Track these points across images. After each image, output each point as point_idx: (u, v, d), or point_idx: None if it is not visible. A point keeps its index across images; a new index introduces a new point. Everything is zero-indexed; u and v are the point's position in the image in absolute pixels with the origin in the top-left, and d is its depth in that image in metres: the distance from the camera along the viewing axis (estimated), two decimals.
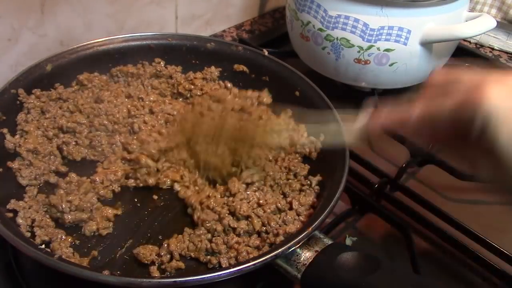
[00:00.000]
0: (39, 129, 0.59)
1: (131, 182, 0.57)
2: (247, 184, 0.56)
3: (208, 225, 0.52)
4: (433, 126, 0.41)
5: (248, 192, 0.55)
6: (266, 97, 0.68)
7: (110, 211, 0.54)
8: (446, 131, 0.41)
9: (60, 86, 0.64)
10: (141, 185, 0.57)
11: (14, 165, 0.55)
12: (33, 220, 0.51)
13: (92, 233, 0.52)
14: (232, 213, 0.53)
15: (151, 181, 0.57)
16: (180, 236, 0.52)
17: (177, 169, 0.59)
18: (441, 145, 0.44)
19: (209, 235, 0.52)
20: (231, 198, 0.55)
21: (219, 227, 0.51)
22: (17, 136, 0.58)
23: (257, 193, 0.55)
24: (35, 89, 0.62)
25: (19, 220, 0.50)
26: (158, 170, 0.58)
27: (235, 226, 0.52)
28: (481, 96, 0.36)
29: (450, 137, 0.42)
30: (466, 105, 0.37)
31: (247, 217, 0.53)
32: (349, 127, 0.51)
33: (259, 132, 0.59)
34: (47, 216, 0.52)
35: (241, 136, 0.57)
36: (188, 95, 0.69)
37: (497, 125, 0.35)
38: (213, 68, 0.72)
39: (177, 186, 0.57)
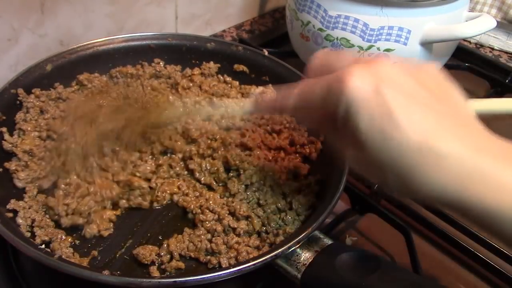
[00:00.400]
0: (36, 129, 0.59)
1: (123, 203, 0.55)
2: (247, 186, 0.56)
3: (208, 225, 0.52)
4: (306, 109, 0.41)
5: (248, 193, 0.55)
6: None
7: (109, 213, 0.53)
8: (318, 116, 0.42)
9: (60, 86, 0.64)
10: (133, 206, 0.55)
11: (11, 166, 0.55)
12: (33, 220, 0.50)
13: (93, 236, 0.52)
14: (232, 214, 0.53)
15: (146, 203, 0.55)
16: (180, 236, 0.52)
17: (172, 181, 0.57)
18: (319, 125, 0.44)
19: (209, 235, 0.51)
20: (230, 199, 0.55)
21: (219, 227, 0.51)
22: (15, 136, 0.58)
23: (256, 193, 0.55)
24: (35, 89, 0.61)
25: (19, 220, 0.50)
26: (151, 188, 0.56)
27: (235, 226, 0.51)
28: (343, 83, 0.35)
29: (322, 122, 0.42)
30: (331, 91, 0.36)
31: (247, 217, 0.53)
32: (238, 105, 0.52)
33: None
34: (47, 216, 0.52)
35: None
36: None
37: (356, 113, 0.35)
38: (211, 63, 0.72)
39: (176, 197, 0.56)
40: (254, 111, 0.48)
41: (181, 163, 0.59)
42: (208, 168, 0.58)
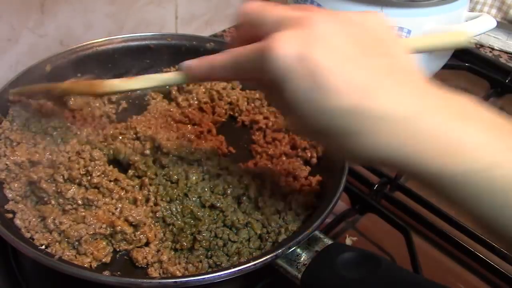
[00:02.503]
0: (23, 141, 0.56)
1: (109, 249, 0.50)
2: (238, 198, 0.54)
3: (205, 244, 0.49)
4: (238, 74, 0.39)
5: (240, 204, 0.54)
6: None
7: (105, 243, 0.49)
8: (249, 75, 0.39)
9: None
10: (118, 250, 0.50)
11: (1, 175, 0.52)
12: (29, 222, 0.50)
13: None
14: (230, 226, 0.51)
15: (131, 247, 0.50)
16: (175, 254, 0.50)
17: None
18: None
19: (209, 253, 0.49)
20: (221, 214, 0.52)
21: (220, 242, 0.49)
22: (1, 145, 0.55)
23: (251, 203, 0.54)
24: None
25: (17, 222, 0.49)
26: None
27: (235, 239, 0.50)
28: (270, 51, 0.32)
29: (255, 81, 0.40)
30: (258, 58, 0.33)
31: (246, 224, 0.51)
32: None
33: None
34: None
35: None
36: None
37: (283, 82, 0.32)
38: None
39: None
40: (185, 80, 0.44)
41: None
42: (180, 210, 0.52)
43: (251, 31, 0.37)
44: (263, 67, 0.33)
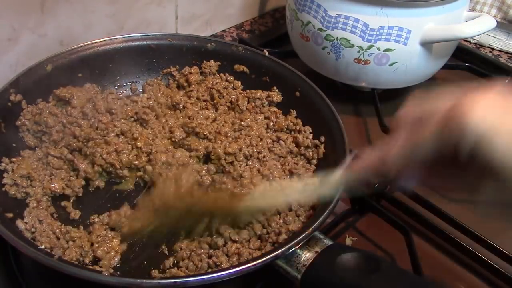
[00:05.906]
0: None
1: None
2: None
3: (208, 240, 0.50)
4: (416, 158, 0.37)
5: None
6: (276, 96, 0.68)
7: (115, 242, 0.50)
8: (432, 161, 0.37)
9: (42, 102, 0.62)
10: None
11: (10, 190, 0.53)
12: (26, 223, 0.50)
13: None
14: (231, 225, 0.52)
15: None
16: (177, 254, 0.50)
17: None
18: (430, 178, 0.40)
19: (210, 251, 0.50)
20: None
21: (220, 241, 0.50)
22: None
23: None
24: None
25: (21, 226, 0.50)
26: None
27: (236, 239, 0.50)
28: (464, 114, 0.33)
29: (438, 167, 0.38)
30: (449, 127, 0.34)
31: (247, 224, 0.52)
32: (330, 179, 0.47)
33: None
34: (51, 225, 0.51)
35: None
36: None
37: (490, 141, 0.33)
38: (211, 61, 0.71)
39: None
40: (348, 182, 0.43)
41: None
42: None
43: (417, 120, 0.37)
44: (456, 132, 0.34)
